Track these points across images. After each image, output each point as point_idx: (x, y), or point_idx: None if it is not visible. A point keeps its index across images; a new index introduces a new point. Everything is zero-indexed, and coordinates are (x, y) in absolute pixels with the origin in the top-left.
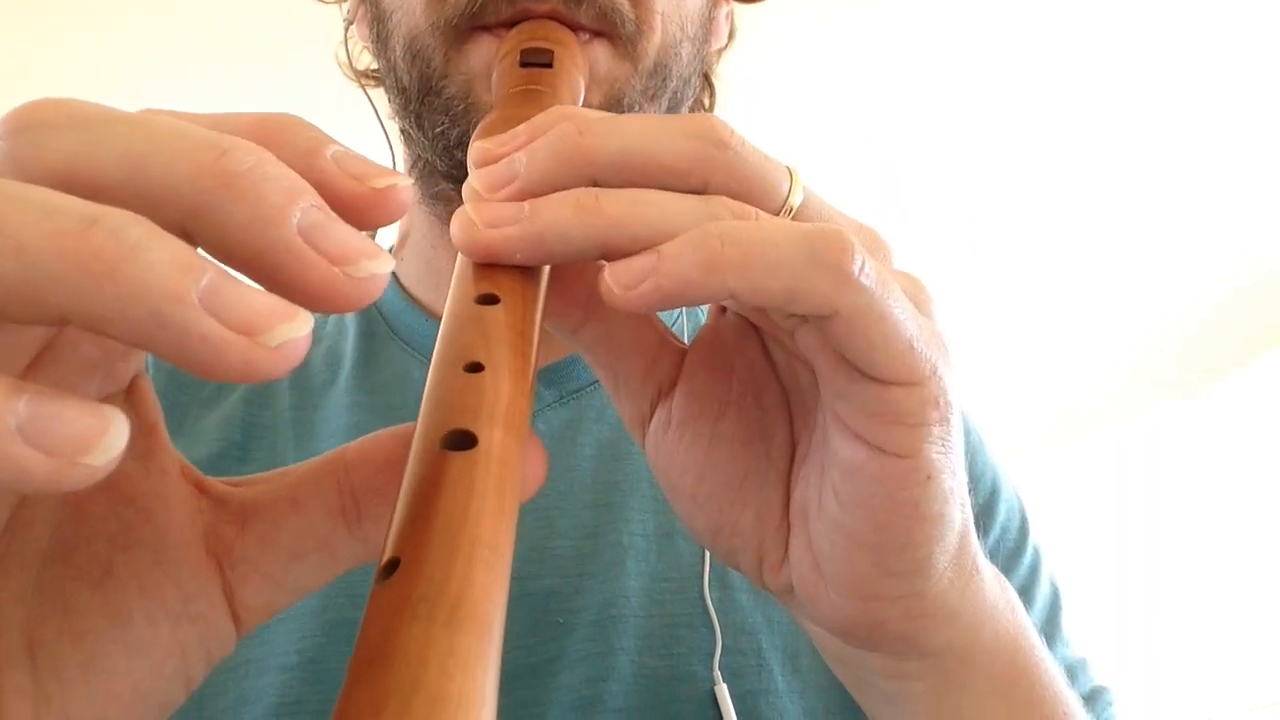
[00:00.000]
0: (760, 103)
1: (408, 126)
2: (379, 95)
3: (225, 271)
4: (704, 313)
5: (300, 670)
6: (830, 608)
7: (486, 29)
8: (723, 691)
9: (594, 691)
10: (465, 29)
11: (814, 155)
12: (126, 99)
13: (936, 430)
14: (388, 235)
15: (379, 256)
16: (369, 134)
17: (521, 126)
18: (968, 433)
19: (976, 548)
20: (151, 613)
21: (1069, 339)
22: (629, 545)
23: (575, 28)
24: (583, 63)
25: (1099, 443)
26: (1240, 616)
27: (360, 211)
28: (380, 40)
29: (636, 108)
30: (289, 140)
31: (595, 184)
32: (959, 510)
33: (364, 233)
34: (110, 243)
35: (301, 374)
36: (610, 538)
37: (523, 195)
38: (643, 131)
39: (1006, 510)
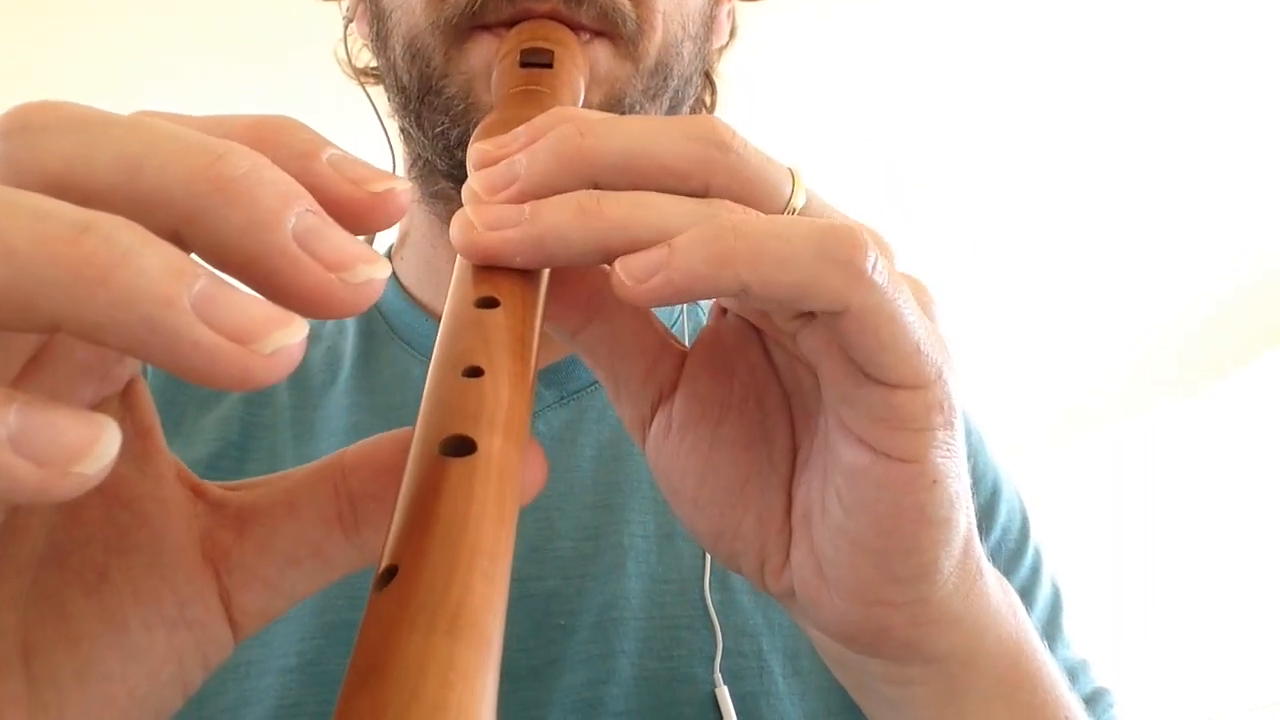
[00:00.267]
0: (760, 101)
1: (407, 126)
2: (378, 93)
3: (219, 277)
4: (705, 312)
5: (300, 672)
6: (833, 612)
7: (486, 28)
8: (723, 694)
9: (595, 694)
10: (465, 28)
11: (815, 153)
12: (126, 99)
13: (941, 435)
14: (388, 234)
15: (375, 262)
16: (369, 134)
17: (521, 128)
18: (969, 433)
19: (980, 552)
20: (147, 618)
21: (1070, 337)
22: (630, 547)
23: (576, 27)
24: (583, 63)
25: (1100, 441)
26: (1240, 616)
27: (357, 216)
28: (380, 39)
29: (637, 107)
30: (285, 143)
31: (596, 186)
32: (963, 515)
33: (360, 237)
34: (102, 248)
35: (301, 374)
36: (611, 539)
37: (523, 197)
38: (644, 133)
39: (1007, 510)
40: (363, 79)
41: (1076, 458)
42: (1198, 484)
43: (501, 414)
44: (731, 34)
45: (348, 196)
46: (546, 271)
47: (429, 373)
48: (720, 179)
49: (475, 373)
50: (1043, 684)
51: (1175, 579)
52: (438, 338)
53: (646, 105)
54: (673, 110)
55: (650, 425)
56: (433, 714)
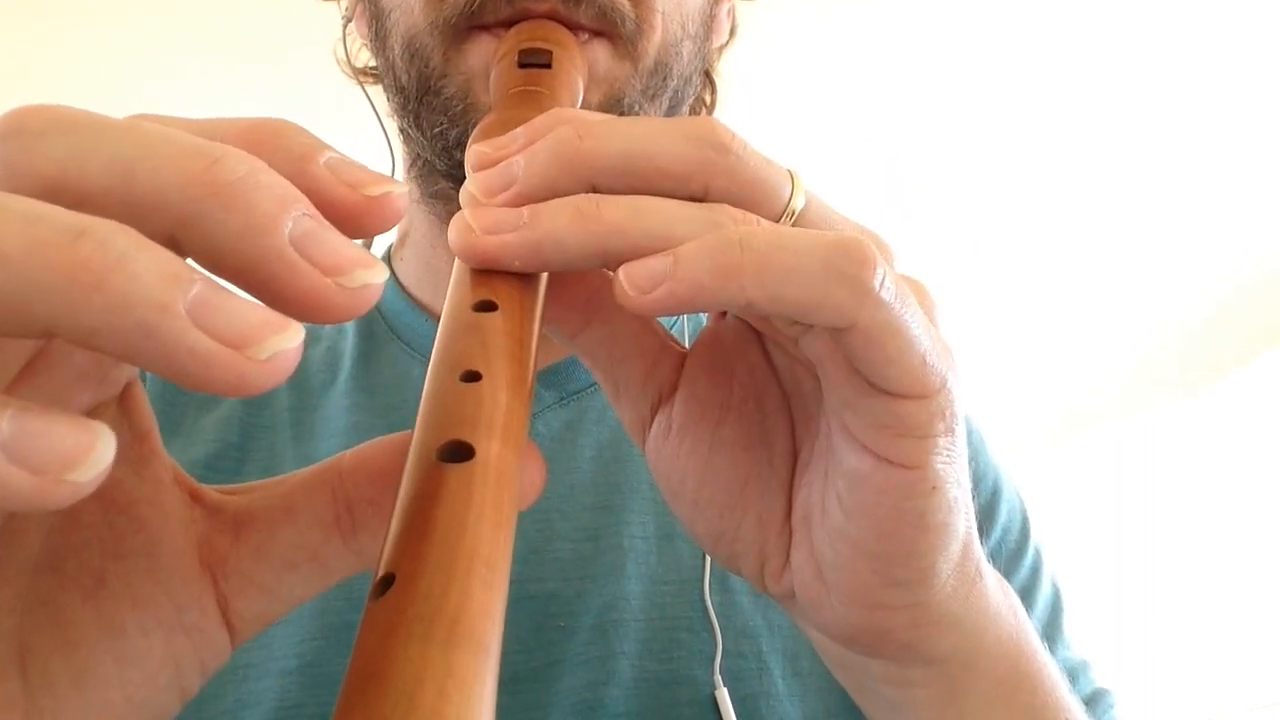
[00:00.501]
0: (760, 100)
1: (406, 126)
2: (378, 93)
3: (214, 282)
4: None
5: (299, 674)
6: (833, 615)
7: (485, 29)
8: (723, 695)
9: (595, 695)
10: (464, 28)
11: (815, 153)
12: (126, 99)
13: (943, 441)
14: (387, 235)
15: (373, 266)
16: (368, 134)
17: (519, 129)
18: (969, 433)
19: (979, 554)
20: (144, 623)
21: (1070, 337)
22: (629, 548)
23: (574, 27)
24: (581, 63)
25: (1100, 441)
26: (1240, 616)
27: (355, 219)
28: (378, 38)
29: (636, 107)
30: (282, 146)
31: (594, 189)
32: (963, 519)
33: (358, 240)
34: (97, 253)
35: (300, 374)
36: (611, 540)
37: (521, 200)
38: (643, 135)
39: (1008, 511)
40: (362, 78)
41: (1076, 458)
42: (1198, 484)
43: (499, 419)
44: (732, 32)
45: (344, 200)
46: (545, 275)
47: (427, 377)
48: (720, 181)
49: (473, 377)
50: (1043, 685)
51: (1175, 579)
52: (436, 342)
53: (645, 105)
54: (672, 110)
55: (650, 427)
56: None
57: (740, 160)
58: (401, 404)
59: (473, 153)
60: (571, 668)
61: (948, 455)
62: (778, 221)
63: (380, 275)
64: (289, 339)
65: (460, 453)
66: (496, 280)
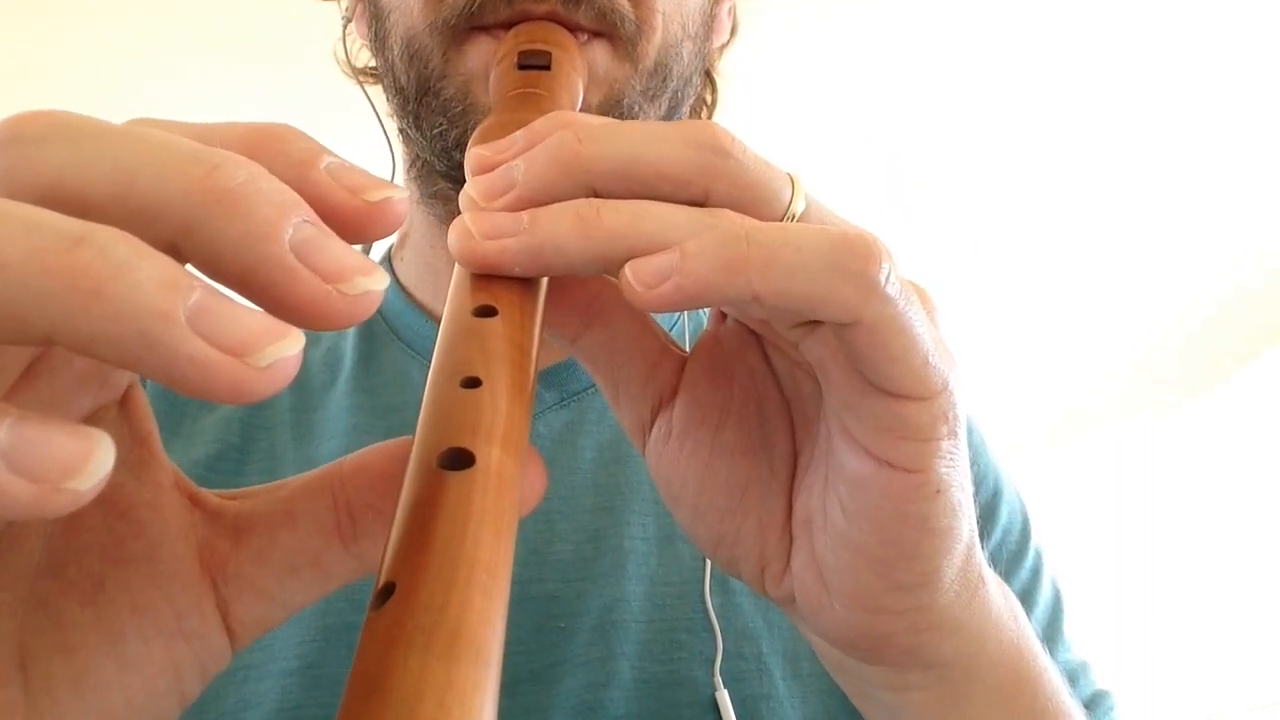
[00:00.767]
0: (760, 100)
1: (406, 126)
2: (378, 93)
3: (214, 289)
4: (705, 314)
5: (300, 675)
6: (834, 619)
7: (484, 30)
8: (724, 697)
9: (595, 697)
10: (463, 29)
11: (814, 152)
12: (126, 99)
13: (945, 444)
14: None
15: (373, 273)
16: (368, 134)
17: (519, 133)
18: (970, 434)
19: (981, 559)
20: (144, 628)
21: (1071, 337)
22: (630, 549)
23: (574, 29)
24: (581, 65)
25: (1100, 441)
26: (1240, 616)
27: (355, 225)
28: (378, 39)
29: (636, 108)
30: (282, 152)
31: (594, 193)
32: (965, 523)
33: (357, 245)
34: (97, 260)
35: (301, 375)
36: (611, 542)
37: (520, 204)
38: (643, 139)
39: (1008, 512)
40: (361, 79)
41: (1076, 458)
42: (1198, 484)
43: (500, 425)
44: (732, 32)
45: (345, 205)
46: (545, 279)
47: (427, 383)
48: (720, 185)
49: (473, 383)
50: (1043, 690)
51: (1175, 579)
52: (436, 347)
53: (645, 106)
54: (672, 110)
55: (650, 431)
56: None
57: (740, 164)
58: (402, 405)
59: (472, 156)
60: (572, 669)
61: (950, 458)
62: None
63: (381, 282)
64: (289, 346)
65: (461, 460)
66: (496, 285)
